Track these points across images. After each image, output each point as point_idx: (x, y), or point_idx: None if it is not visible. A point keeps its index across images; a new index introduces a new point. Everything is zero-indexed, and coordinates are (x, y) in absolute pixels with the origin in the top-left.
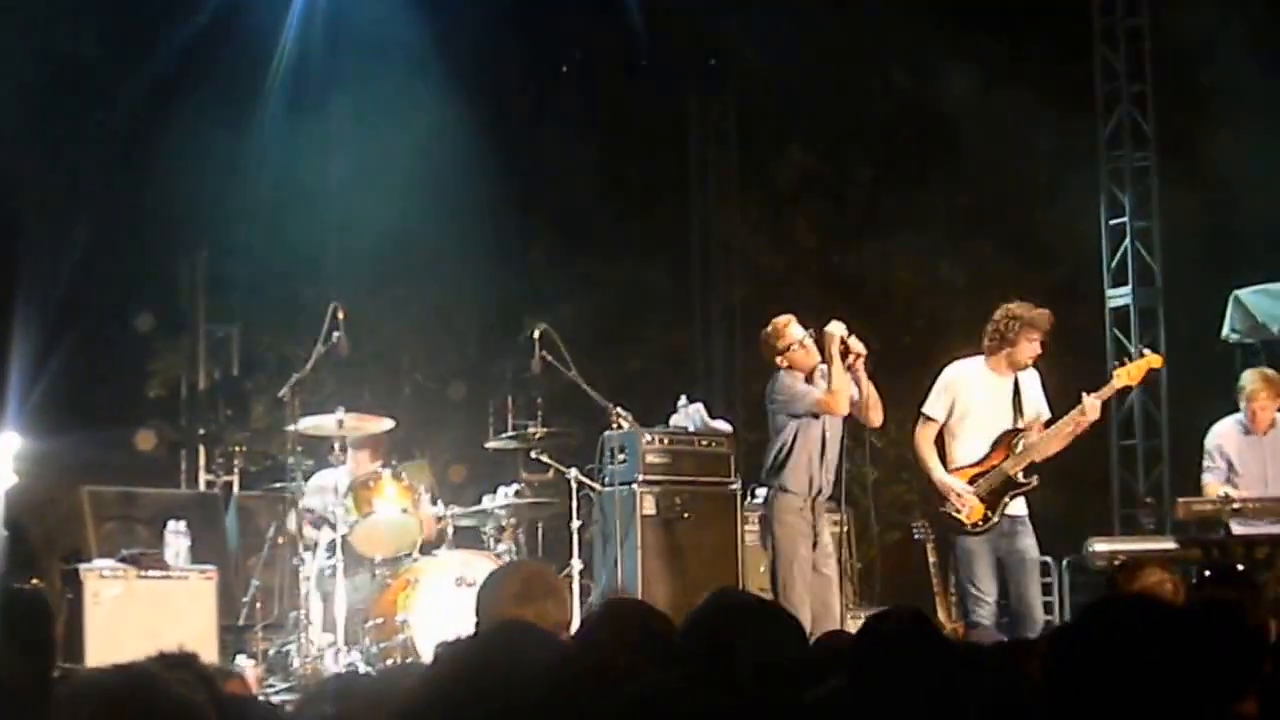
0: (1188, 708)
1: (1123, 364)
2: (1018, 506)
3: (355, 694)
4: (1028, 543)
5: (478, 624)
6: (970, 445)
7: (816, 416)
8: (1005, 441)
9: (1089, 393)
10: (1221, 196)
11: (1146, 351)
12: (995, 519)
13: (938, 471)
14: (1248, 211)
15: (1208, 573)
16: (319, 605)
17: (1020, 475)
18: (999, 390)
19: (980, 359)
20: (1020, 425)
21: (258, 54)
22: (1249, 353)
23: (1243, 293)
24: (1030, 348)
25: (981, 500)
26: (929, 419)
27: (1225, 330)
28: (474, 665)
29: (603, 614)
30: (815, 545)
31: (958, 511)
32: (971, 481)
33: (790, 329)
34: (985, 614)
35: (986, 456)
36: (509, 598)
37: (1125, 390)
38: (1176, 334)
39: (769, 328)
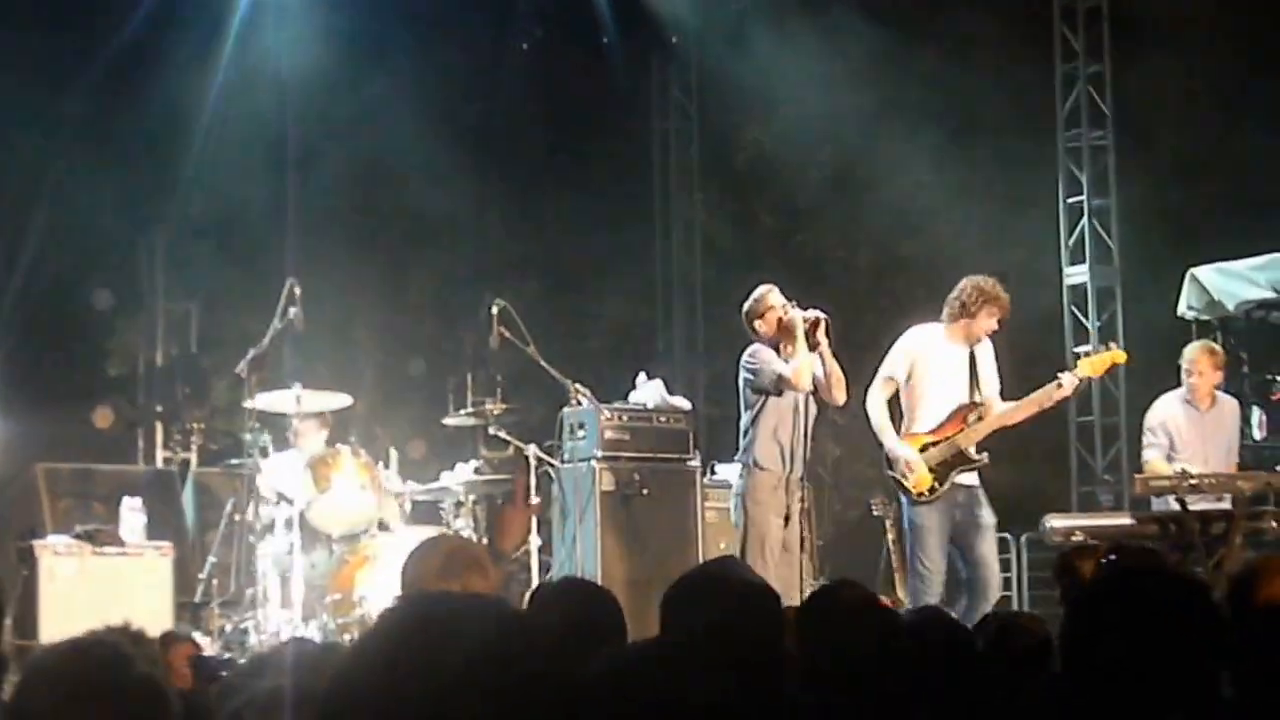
0: (1199, 677)
1: (1089, 353)
2: (969, 477)
3: (302, 662)
4: (983, 510)
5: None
6: (927, 412)
7: (781, 393)
8: (961, 414)
9: (1063, 371)
10: (1178, 175)
11: (1113, 346)
12: (942, 489)
13: (890, 437)
14: (1204, 190)
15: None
16: (276, 582)
17: (972, 450)
18: (956, 360)
19: (939, 326)
20: (977, 399)
21: (213, 31)
22: (1205, 330)
23: (1198, 270)
24: (988, 324)
25: (931, 470)
26: (888, 379)
27: (1181, 308)
28: (413, 633)
29: (552, 590)
30: (786, 523)
31: (904, 478)
32: (924, 449)
33: (771, 296)
34: (932, 589)
35: (941, 426)
36: (433, 573)
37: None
38: (1133, 312)
39: (751, 296)
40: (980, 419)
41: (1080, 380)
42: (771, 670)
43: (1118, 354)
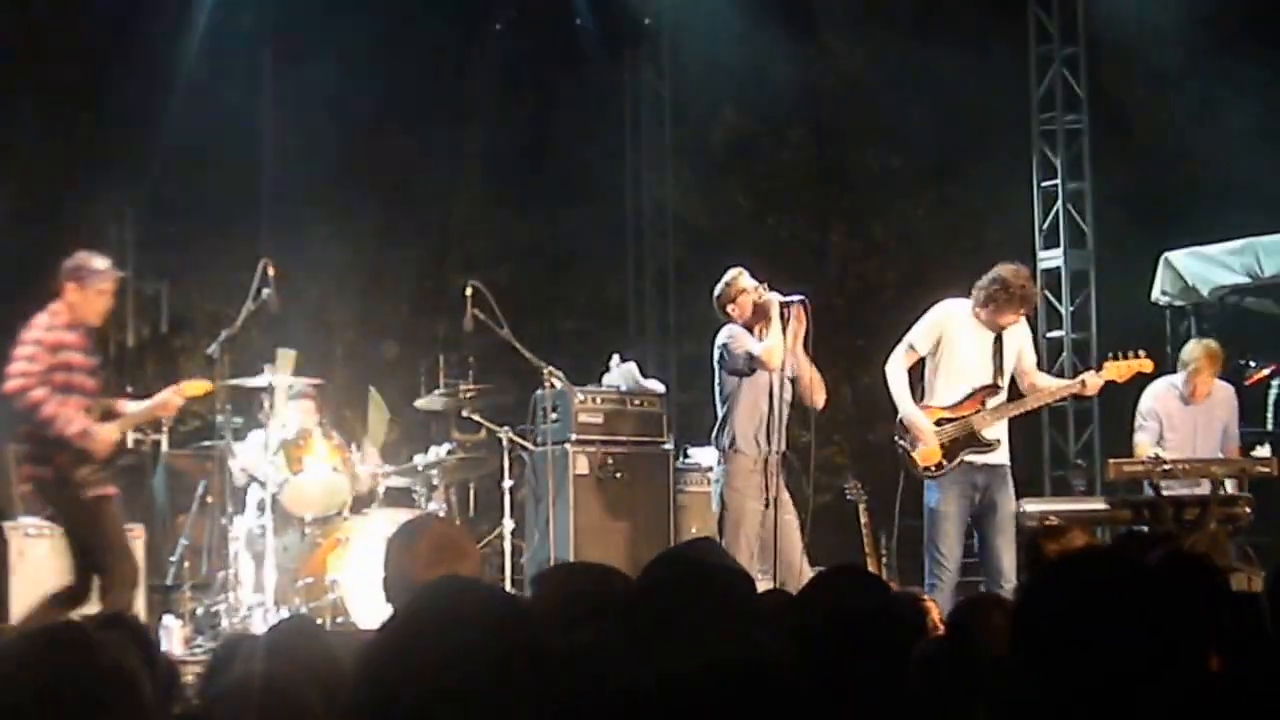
0: (1162, 661)
1: (1115, 357)
2: (990, 457)
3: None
4: (1004, 495)
5: (386, 579)
6: (947, 388)
7: (753, 372)
8: (980, 395)
9: (1093, 369)
10: (1153, 159)
11: (1142, 353)
12: (950, 466)
13: (907, 404)
14: (1179, 174)
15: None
16: (248, 564)
17: (985, 434)
18: (982, 339)
19: (969, 303)
20: (1000, 382)
21: (185, 8)
22: (1178, 315)
23: (1172, 255)
24: (1008, 318)
25: (941, 446)
26: (912, 349)
27: (1155, 293)
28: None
29: (556, 573)
30: (772, 502)
31: (912, 447)
32: (939, 424)
33: (741, 279)
34: (944, 579)
35: (959, 404)
36: (421, 563)
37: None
38: (1107, 297)
39: (722, 279)
40: (994, 403)
41: (1104, 382)
42: (746, 654)
43: (1145, 363)
